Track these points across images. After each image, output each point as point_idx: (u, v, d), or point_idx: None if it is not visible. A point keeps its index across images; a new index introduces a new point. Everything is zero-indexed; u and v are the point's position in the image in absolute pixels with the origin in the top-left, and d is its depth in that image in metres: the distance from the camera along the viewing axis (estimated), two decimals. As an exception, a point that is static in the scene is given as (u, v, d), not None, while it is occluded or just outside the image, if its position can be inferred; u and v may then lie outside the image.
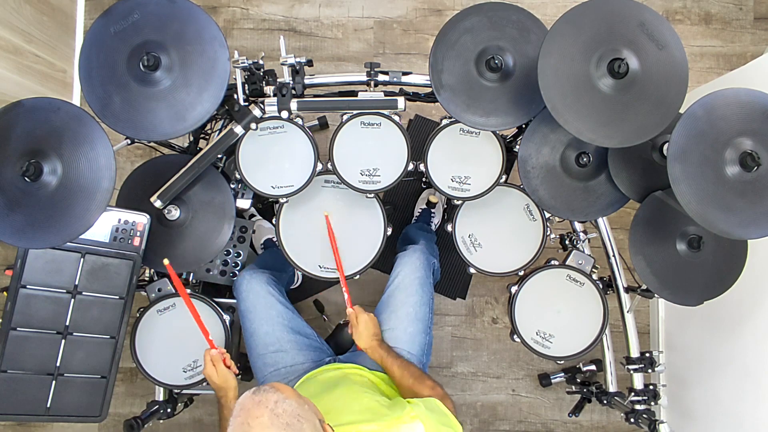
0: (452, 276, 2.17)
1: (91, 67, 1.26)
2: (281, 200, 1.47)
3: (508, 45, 1.34)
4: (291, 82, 1.41)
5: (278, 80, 1.41)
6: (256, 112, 1.35)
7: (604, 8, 1.19)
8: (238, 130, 1.36)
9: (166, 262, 1.29)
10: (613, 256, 1.59)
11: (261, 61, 1.41)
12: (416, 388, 1.27)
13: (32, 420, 1.31)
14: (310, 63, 1.43)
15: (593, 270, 1.54)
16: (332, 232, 1.47)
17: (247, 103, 1.39)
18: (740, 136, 1.16)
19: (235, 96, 1.38)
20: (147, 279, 1.54)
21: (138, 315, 1.45)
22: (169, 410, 1.58)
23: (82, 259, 1.30)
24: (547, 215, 1.51)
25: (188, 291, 1.47)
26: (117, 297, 1.32)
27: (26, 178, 1.17)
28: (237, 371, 1.33)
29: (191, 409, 2.03)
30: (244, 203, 1.53)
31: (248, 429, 0.80)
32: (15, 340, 1.25)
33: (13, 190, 1.19)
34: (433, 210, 2.09)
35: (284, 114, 1.39)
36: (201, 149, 1.39)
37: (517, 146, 1.44)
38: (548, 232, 1.52)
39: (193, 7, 1.28)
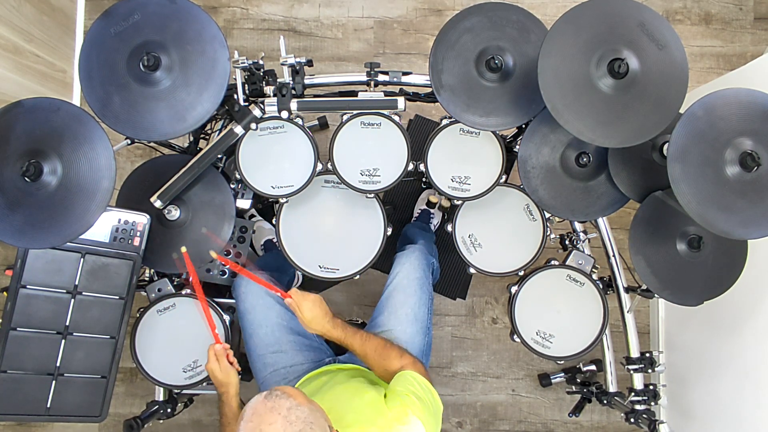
0: (452, 276, 2.17)
1: (91, 67, 1.26)
2: (281, 200, 1.47)
3: (508, 45, 1.34)
4: (291, 82, 1.41)
5: (278, 80, 1.41)
6: (256, 112, 1.35)
7: (604, 8, 1.19)
8: (238, 130, 1.36)
9: (183, 249, 1.31)
10: (613, 256, 1.59)
11: (261, 61, 1.40)
12: (386, 363, 1.27)
13: (32, 420, 1.31)
14: (310, 63, 1.43)
15: (593, 270, 1.54)
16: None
17: (247, 103, 1.39)
18: (740, 136, 1.16)
19: (235, 96, 1.38)
20: (147, 279, 1.54)
21: (138, 315, 1.45)
22: (169, 410, 1.58)
23: (82, 259, 1.30)
24: (547, 215, 1.51)
25: (188, 291, 1.48)
26: (117, 297, 1.32)
27: (26, 178, 1.17)
28: (239, 368, 1.33)
29: (191, 410, 2.03)
30: (244, 203, 1.52)
31: None
32: (15, 340, 1.25)
33: (13, 190, 1.19)
34: (432, 210, 2.09)
35: (284, 114, 1.39)
36: (201, 149, 1.39)
37: (517, 146, 1.44)
38: (548, 232, 1.52)
39: (193, 7, 1.28)
